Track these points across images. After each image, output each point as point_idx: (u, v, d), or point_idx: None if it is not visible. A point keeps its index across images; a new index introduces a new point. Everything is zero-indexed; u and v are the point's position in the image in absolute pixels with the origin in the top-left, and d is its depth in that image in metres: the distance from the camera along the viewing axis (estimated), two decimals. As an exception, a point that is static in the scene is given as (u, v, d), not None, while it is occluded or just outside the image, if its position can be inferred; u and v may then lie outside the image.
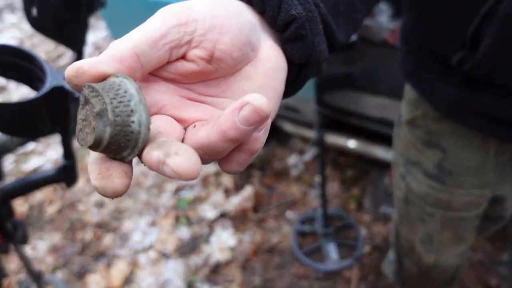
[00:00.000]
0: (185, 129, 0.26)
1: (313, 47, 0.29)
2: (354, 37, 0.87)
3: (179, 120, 0.27)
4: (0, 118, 0.42)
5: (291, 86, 0.32)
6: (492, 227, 0.71)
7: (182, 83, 0.28)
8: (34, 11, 0.54)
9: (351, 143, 1.53)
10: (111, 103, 0.22)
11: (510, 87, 0.50)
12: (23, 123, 0.45)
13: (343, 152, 1.77)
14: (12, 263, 1.64)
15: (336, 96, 1.55)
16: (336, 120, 1.56)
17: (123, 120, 0.22)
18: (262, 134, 0.25)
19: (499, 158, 0.60)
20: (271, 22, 0.29)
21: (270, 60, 0.28)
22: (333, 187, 1.71)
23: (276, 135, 2.04)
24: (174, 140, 0.23)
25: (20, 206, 1.93)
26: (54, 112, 0.47)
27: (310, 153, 1.88)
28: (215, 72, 0.27)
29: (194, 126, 0.26)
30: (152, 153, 0.22)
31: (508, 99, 0.51)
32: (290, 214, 1.64)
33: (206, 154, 0.24)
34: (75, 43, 0.60)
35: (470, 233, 0.69)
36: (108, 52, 0.24)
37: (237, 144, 0.23)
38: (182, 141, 0.25)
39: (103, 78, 0.24)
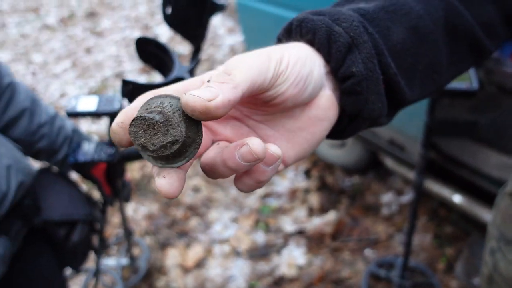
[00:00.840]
0: (213, 142, 0.30)
1: (366, 104, 0.31)
2: (475, 85, 0.79)
3: (213, 132, 0.30)
4: (136, 95, 0.53)
5: (341, 132, 0.34)
6: None
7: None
8: (169, 10, 0.64)
9: (457, 198, 1.37)
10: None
11: None
12: None
13: (446, 204, 1.60)
14: (116, 217, 1.91)
15: (452, 144, 1.41)
16: (445, 169, 1.42)
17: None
18: (269, 169, 0.27)
19: None
20: (333, 72, 0.31)
21: (319, 108, 0.30)
22: (424, 239, 1.55)
23: (376, 168, 1.94)
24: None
25: (135, 172, 2.24)
26: None
27: (408, 195, 1.75)
28: (272, 105, 0.29)
29: (218, 143, 0.29)
30: (153, 168, 0.26)
31: None
32: (369, 252, 1.55)
33: (211, 172, 0.27)
34: (197, 39, 0.69)
35: None
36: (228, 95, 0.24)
37: (236, 172, 0.27)
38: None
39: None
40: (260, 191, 1.97)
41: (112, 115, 0.74)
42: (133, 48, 4.05)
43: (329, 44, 0.30)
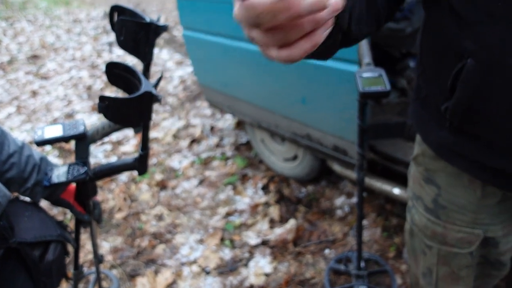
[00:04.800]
0: None
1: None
2: (388, 87, 0.96)
3: None
4: (111, 109, 0.61)
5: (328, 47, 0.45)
6: (494, 273, 0.72)
7: None
8: (122, 37, 0.76)
9: (396, 190, 1.54)
10: None
11: (485, 137, 0.56)
12: (123, 114, 0.65)
13: (390, 199, 1.78)
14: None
15: (387, 144, 1.60)
16: (384, 167, 1.60)
17: None
18: (322, 31, 0.30)
19: (487, 200, 0.63)
20: None
21: None
22: (375, 233, 1.71)
23: (328, 176, 2.10)
24: None
25: (95, 208, 2.22)
26: (142, 109, 0.66)
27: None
28: None
29: None
30: None
31: (488, 149, 0.56)
32: (328, 252, 1.67)
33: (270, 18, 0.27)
34: (146, 57, 0.81)
35: (467, 273, 0.71)
36: None
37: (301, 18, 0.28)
38: None
39: None
40: (222, 210, 2.04)
41: (79, 138, 0.82)
42: (81, 87, 4.02)
43: None
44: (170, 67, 4.28)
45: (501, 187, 0.61)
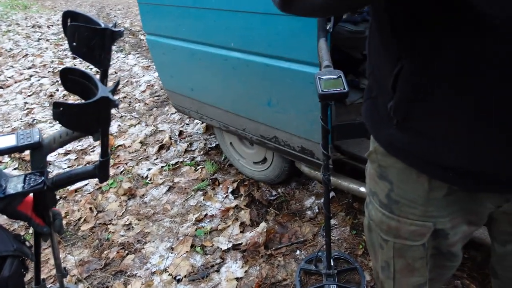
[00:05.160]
0: None
1: None
2: (346, 89, 0.98)
3: None
4: (66, 115, 0.59)
5: None
6: (448, 264, 0.75)
7: None
8: (74, 43, 0.73)
9: (363, 189, 1.58)
10: None
11: (426, 134, 0.58)
12: (79, 120, 0.63)
13: (359, 198, 1.82)
14: (45, 260, 1.81)
15: (352, 144, 1.63)
16: (351, 166, 1.64)
17: None
18: None
19: (434, 193, 0.66)
20: None
21: None
22: (344, 231, 1.74)
23: (298, 177, 2.12)
24: None
25: (59, 221, 2.13)
26: (99, 115, 0.64)
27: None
28: None
29: None
30: None
31: (430, 145, 0.59)
32: (299, 253, 1.69)
33: None
34: (102, 63, 0.79)
35: (421, 264, 0.73)
36: None
37: None
38: None
39: None
40: (192, 217, 2.02)
41: (34, 147, 0.78)
42: (43, 95, 3.87)
43: None
44: (137, 72, 4.20)
45: (446, 181, 0.63)
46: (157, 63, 2.18)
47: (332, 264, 1.48)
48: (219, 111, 1.92)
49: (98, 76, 0.81)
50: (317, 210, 1.91)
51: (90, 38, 0.78)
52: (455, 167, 0.60)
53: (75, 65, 4.33)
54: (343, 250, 1.65)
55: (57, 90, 3.98)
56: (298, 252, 1.70)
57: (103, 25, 0.81)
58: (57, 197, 2.34)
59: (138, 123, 3.12)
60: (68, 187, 2.38)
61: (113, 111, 3.33)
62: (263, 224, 1.84)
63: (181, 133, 2.84)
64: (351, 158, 1.62)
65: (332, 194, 1.96)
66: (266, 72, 1.50)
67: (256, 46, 1.47)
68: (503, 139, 0.53)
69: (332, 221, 1.80)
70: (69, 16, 0.85)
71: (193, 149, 2.63)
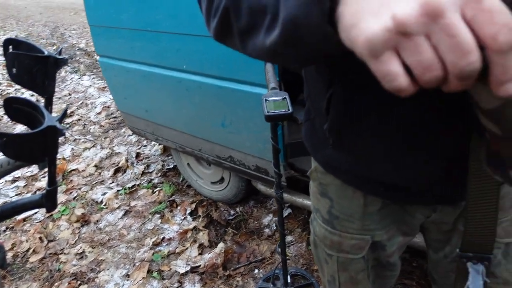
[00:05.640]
0: None
1: None
2: (291, 110, 1.02)
3: None
4: (10, 146, 0.57)
5: None
6: (388, 273, 0.79)
7: None
8: (14, 70, 0.72)
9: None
10: None
11: (358, 153, 0.63)
12: (25, 150, 0.61)
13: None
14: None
15: (303, 160, 1.68)
16: (307, 183, 1.68)
17: None
18: None
19: (369, 208, 0.71)
20: None
21: None
22: (301, 247, 1.77)
23: (255, 195, 2.14)
24: None
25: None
26: (46, 144, 0.62)
27: (285, 213, 1.97)
28: None
29: None
30: None
31: (362, 163, 0.64)
32: (257, 272, 1.69)
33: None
34: (45, 91, 0.78)
35: (363, 276, 0.77)
36: None
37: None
38: None
39: None
40: (149, 241, 1.97)
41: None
42: (-12, 120, 3.66)
43: None
44: (93, 93, 4.09)
45: (378, 196, 0.68)
46: (110, 85, 2.14)
47: (289, 281, 1.49)
48: (174, 132, 1.92)
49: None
50: (274, 228, 1.93)
51: (31, 65, 0.76)
52: (385, 183, 0.65)
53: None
54: (300, 266, 1.67)
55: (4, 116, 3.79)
56: (256, 271, 1.70)
57: (46, 53, 0.79)
58: (3, 227, 2.20)
59: (93, 146, 3.03)
60: (16, 216, 2.25)
61: (66, 134, 3.21)
62: (221, 245, 1.83)
63: (138, 155, 2.79)
64: (305, 175, 1.66)
65: (288, 210, 1.99)
66: (218, 93, 1.52)
67: (208, 68, 1.50)
68: (420, 160, 0.58)
69: (289, 238, 1.82)
70: (10, 43, 0.83)
71: (151, 171, 2.58)
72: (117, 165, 2.69)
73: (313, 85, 0.69)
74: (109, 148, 2.94)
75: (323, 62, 0.56)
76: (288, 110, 1.01)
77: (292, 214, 1.98)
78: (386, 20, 0.27)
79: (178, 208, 2.19)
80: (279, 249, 1.43)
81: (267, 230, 1.92)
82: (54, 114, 0.78)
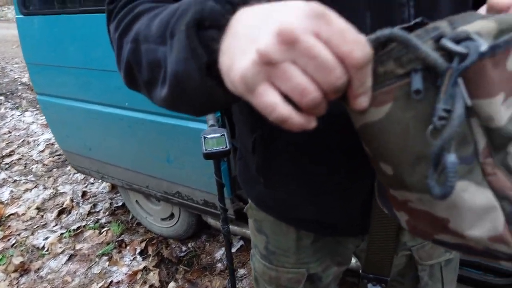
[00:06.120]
0: None
1: None
2: (229, 146, 1.04)
3: None
4: None
5: None
6: None
7: None
8: None
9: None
10: None
11: (286, 192, 0.65)
12: None
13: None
14: None
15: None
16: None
17: None
18: None
19: (302, 242, 0.73)
20: None
21: None
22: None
23: (207, 229, 2.11)
24: None
25: None
26: None
27: (237, 246, 1.95)
28: None
29: None
30: None
31: (291, 201, 0.66)
32: (210, 310, 1.64)
33: None
34: None
35: None
36: None
37: None
38: None
39: None
40: (96, 287, 1.86)
41: None
42: None
43: None
44: (35, 130, 3.89)
45: (309, 230, 0.70)
46: (51, 123, 2.06)
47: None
48: (120, 170, 1.86)
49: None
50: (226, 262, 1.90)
51: None
52: (313, 219, 0.68)
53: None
54: (253, 300, 1.65)
55: None
56: (209, 309, 1.65)
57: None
58: None
59: (35, 186, 2.85)
60: None
61: (4, 176, 3.01)
62: (172, 285, 1.77)
63: (84, 194, 2.66)
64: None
65: (241, 243, 1.98)
66: (161, 129, 1.51)
67: (149, 104, 1.48)
68: (341, 198, 0.62)
69: (242, 271, 1.80)
70: None
71: (98, 210, 2.47)
72: (61, 206, 2.55)
73: (240, 127, 0.72)
74: (53, 188, 2.79)
75: (224, 108, 0.58)
76: (226, 147, 1.03)
77: (245, 246, 1.96)
78: (252, 55, 0.29)
79: (127, 248, 2.09)
80: (229, 285, 1.40)
81: (219, 264, 1.89)
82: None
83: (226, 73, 0.32)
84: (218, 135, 1.08)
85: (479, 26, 0.30)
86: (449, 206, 0.36)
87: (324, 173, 0.59)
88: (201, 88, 0.36)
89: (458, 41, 0.29)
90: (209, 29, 0.34)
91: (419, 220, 0.40)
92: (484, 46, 0.28)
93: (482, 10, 0.41)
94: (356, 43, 0.28)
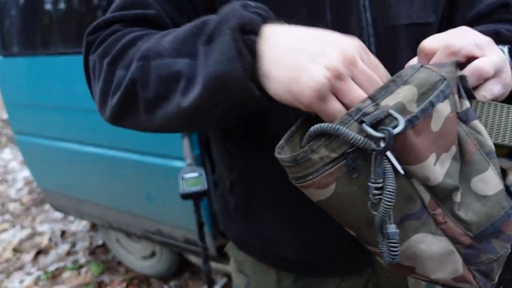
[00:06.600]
0: None
1: None
2: (205, 186, 1.04)
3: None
4: None
5: None
6: None
7: None
8: None
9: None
10: None
11: (264, 231, 0.65)
12: None
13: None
14: None
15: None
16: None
17: None
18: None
19: (283, 282, 0.72)
20: None
21: None
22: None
23: (190, 266, 2.06)
24: None
25: None
26: None
27: (220, 284, 1.91)
28: None
29: None
30: None
31: (269, 241, 0.66)
32: None
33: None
34: None
35: None
36: None
37: None
38: None
39: None
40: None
41: None
42: None
43: None
44: (14, 168, 3.80)
45: (289, 271, 0.70)
46: (28, 161, 2.03)
47: None
48: (99, 208, 1.83)
49: None
50: (212, 300, 1.85)
51: None
52: (293, 260, 0.67)
53: None
54: None
55: None
56: None
57: None
58: None
59: (12, 226, 2.76)
60: None
61: (-21, 216, 2.90)
62: (153, 327, 1.70)
63: (63, 233, 2.58)
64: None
65: (225, 279, 1.93)
66: (139, 168, 1.51)
67: (127, 143, 1.49)
68: (322, 239, 0.62)
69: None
70: None
71: (77, 249, 2.39)
72: (39, 246, 2.46)
73: (219, 167, 0.72)
74: (31, 228, 2.70)
75: (230, 124, 0.58)
76: (203, 187, 1.03)
77: (228, 283, 1.92)
78: (322, 71, 0.35)
79: (107, 289, 2.02)
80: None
81: (203, 303, 1.83)
82: None
83: (285, 83, 0.36)
84: (196, 174, 1.08)
85: (400, 97, 0.33)
86: (411, 257, 0.39)
87: (307, 211, 0.59)
88: (242, 87, 0.38)
89: (379, 121, 0.32)
90: (249, 34, 0.38)
91: (392, 266, 0.42)
92: (401, 124, 0.32)
93: (414, 60, 0.46)
94: (382, 71, 0.40)
